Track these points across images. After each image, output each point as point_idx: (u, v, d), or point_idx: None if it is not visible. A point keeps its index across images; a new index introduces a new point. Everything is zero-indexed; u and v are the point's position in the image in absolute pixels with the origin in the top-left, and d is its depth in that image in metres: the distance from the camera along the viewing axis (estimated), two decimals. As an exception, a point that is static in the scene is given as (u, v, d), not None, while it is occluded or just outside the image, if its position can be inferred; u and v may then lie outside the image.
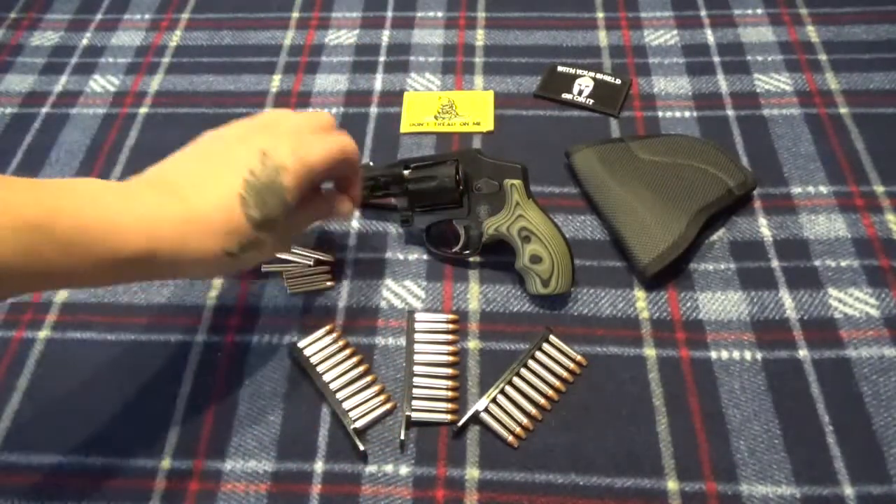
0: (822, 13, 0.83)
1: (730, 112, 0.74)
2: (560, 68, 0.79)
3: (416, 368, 0.57)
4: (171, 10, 0.90)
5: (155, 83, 0.82)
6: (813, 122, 0.72)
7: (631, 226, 0.62)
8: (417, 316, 0.60)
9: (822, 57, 0.78)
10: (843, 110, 0.73)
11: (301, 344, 0.58)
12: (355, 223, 0.67)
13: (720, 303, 0.60)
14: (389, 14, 0.87)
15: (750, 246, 0.63)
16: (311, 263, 0.64)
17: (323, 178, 0.50)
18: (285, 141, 0.45)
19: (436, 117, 0.75)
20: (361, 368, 0.57)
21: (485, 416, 0.54)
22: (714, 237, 0.64)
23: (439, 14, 0.87)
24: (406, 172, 0.61)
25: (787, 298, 0.60)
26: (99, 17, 0.90)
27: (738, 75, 0.77)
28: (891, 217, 0.64)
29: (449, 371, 0.57)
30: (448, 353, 0.58)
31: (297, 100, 0.78)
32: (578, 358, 0.57)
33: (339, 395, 0.55)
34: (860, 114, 0.73)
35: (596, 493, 0.51)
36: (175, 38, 0.87)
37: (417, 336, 0.59)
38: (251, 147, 0.44)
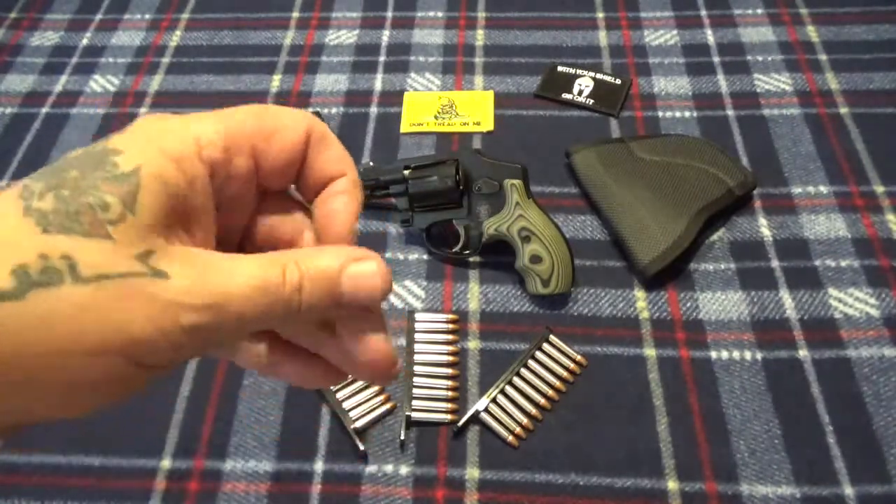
0: (822, 13, 0.83)
1: (730, 112, 0.74)
2: (560, 68, 0.79)
3: (416, 368, 0.57)
4: (171, 10, 0.90)
5: (155, 83, 0.82)
6: (813, 122, 0.72)
7: (631, 226, 0.62)
8: (417, 316, 0.60)
9: (822, 57, 0.78)
10: (843, 110, 0.73)
11: (301, 344, 0.58)
12: (355, 223, 0.67)
13: (720, 303, 0.60)
14: (389, 14, 0.87)
15: (750, 246, 0.63)
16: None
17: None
18: None
19: (436, 117, 0.75)
20: (361, 368, 0.57)
21: (485, 416, 0.54)
22: (714, 237, 0.64)
23: (439, 14, 0.87)
24: (406, 172, 0.61)
25: (787, 298, 0.60)
26: (99, 17, 0.90)
27: (738, 75, 0.77)
28: (891, 217, 0.64)
29: (449, 371, 0.57)
30: (448, 353, 0.57)
31: (297, 100, 0.78)
32: (578, 358, 0.57)
33: (339, 395, 0.55)
34: (860, 114, 0.73)
35: (596, 493, 0.51)
36: (175, 38, 0.87)
37: (417, 336, 0.59)
38: None
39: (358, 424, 0.54)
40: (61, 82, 0.83)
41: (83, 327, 0.16)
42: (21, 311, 0.15)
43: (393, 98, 0.78)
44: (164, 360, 0.17)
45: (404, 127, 0.75)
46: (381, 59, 0.82)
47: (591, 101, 0.75)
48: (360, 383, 0.56)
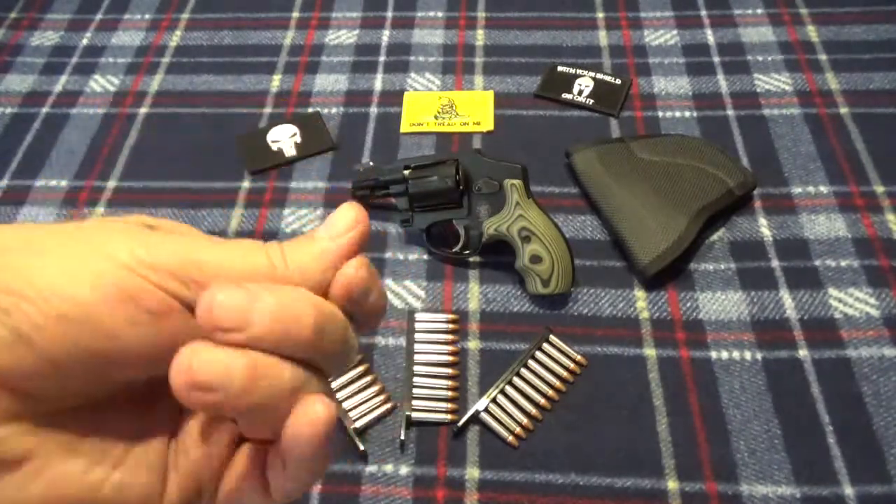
0: (822, 13, 0.83)
1: (730, 112, 0.74)
2: (560, 68, 0.79)
3: (416, 368, 0.57)
4: (171, 10, 0.90)
5: (155, 83, 0.82)
6: (813, 122, 0.72)
7: (631, 226, 0.62)
8: (417, 316, 0.60)
9: (822, 57, 0.78)
10: (843, 110, 0.73)
11: (301, 344, 0.58)
12: (355, 223, 0.67)
13: (720, 303, 0.60)
14: (389, 14, 0.87)
15: (750, 246, 0.63)
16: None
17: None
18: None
19: (436, 117, 0.75)
20: (361, 368, 0.57)
21: (485, 416, 0.54)
22: (714, 237, 0.64)
23: (439, 14, 0.87)
24: (406, 172, 0.61)
25: (787, 298, 0.60)
26: (99, 17, 0.90)
27: (738, 75, 0.77)
28: (891, 217, 0.64)
29: (449, 371, 0.57)
30: (448, 353, 0.57)
31: (297, 99, 0.78)
32: (578, 358, 0.57)
33: (339, 395, 0.55)
34: (860, 114, 0.73)
35: (596, 493, 0.51)
36: (175, 38, 0.87)
37: (417, 336, 0.59)
38: None
39: (358, 424, 0.54)
40: (61, 82, 0.83)
41: (69, 238, 0.18)
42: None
43: (393, 98, 0.78)
44: (142, 287, 0.17)
45: (404, 127, 0.75)
46: (381, 59, 0.82)
47: (591, 101, 0.75)
48: (360, 383, 0.56)
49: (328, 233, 0.20)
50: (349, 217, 0.21)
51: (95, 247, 0.17)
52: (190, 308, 0.18)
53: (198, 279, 0.18)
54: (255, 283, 0.18)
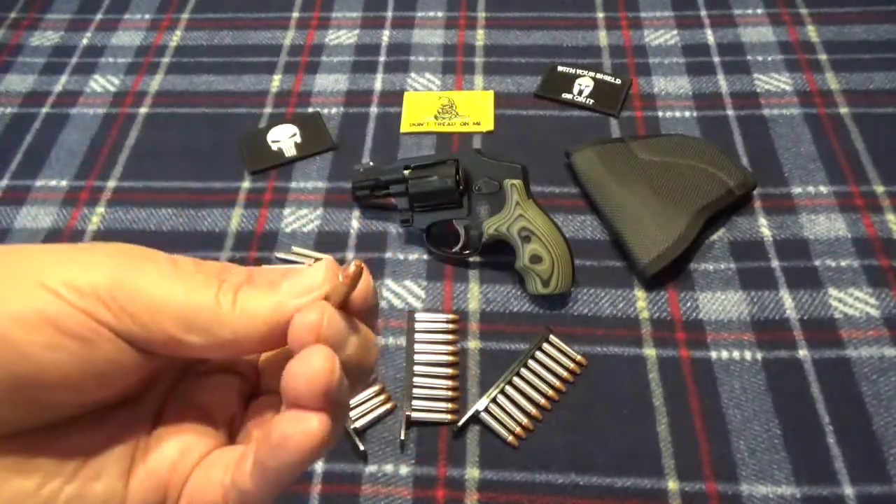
0: (822, 13, 0.83)
1: (730, 112, 0.74)
2: (560, 68, 0.79)
3: (416, 368, 0.57)
4: (171, 10, 0.90)
5: (155, 83, 0.82)
6: (813, 122, 0.72)
7: (631, 226, 0.62)
8: (417, 316, 0.60)
9: (822, 57, 0.78)
10: (843, 110, 0.73)
11: (301, 344, 0.58)
12: (355, 223, 0.67)
13: (720, 303, 0.60)
14: (389, 14, 0.87)
15: (750, 246, 0.63)
16: (311, 263, 0.64)
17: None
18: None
19: (436, 117, 0.75)
20: (361, 368, 0.57)
21: (485, 415, 0.54)
22: (714, 237, 0.64)
23: (439, 14, 0.87)
24: (406, 172, 0.61)
25: (787, 298, 0.60)
26: (99, 17, 0.90)
27: (738, 75, 0.77)
28: (891, 217, 0.64)
29: (449, 371, 0.57)
30: (448, 353, 0.57)
31: (297, 100, 0.78)
32: (578, 358, 0.57)
33: (339, 395, 0.55)
34: (860, 114, 0.73)
35: (596, 493, 0.51)
36: (175, 38, 0.87)
37: (417, 336, 0.59)
38: None
39: (358, 424, 0.54)
40: (61, 82, 0.83)
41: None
42: None
43: (393, 98, 0.78)
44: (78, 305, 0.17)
45: (404, 127, 0.75)
46: (381, 59, 0.82)
47: (591, 101, 0.75)
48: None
49: (290, 289, 0.20)
50: (316, 278, 0.20)
51: (24, 271, 0.17)
52: (121, 336, 0.18)
53: (130, 309, 0.18)
54: (192, 320, 0.18)
